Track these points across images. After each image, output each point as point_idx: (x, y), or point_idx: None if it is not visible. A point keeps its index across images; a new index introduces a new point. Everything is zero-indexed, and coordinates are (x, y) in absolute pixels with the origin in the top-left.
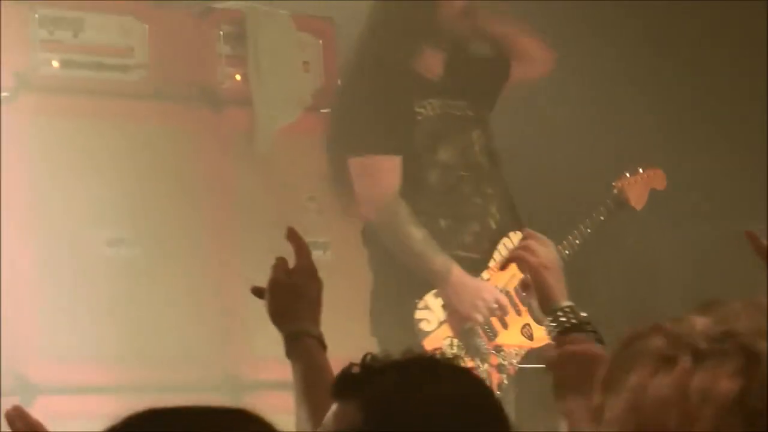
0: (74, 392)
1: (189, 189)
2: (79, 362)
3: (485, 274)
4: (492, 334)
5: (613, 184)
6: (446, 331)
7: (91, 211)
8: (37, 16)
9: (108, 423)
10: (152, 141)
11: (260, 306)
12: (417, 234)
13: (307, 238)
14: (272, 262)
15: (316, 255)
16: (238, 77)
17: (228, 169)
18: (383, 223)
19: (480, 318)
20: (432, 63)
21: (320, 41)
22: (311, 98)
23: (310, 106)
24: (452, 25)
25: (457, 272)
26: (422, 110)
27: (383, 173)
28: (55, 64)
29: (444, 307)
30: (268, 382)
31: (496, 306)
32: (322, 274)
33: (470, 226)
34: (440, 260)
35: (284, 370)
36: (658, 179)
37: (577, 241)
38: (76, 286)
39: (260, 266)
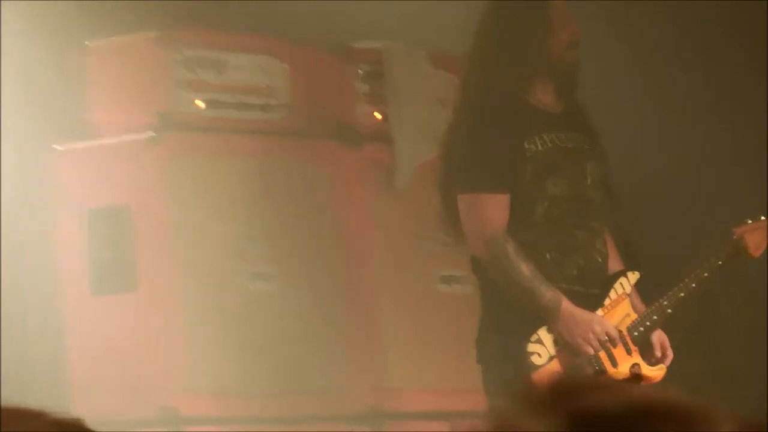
0: (220, 423)
1: (329, 224)
2: (224, 394)
3: (600, 312)
4: (601, 371)
5: (734, 229)
6: (556, 365)
7: (235, 247)
8: (181, 56)
9: None
10: (293, 177)
11: (396, 337)
12: (525, 269)
13: (444, 272)
14: (410, 293)
15: (453, 289)
16: (377, 115)
17: (366, 204)
18: (490, 259)
19: (591, 350)
20: (543, 95)
21: (456, 78)
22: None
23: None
24: (561, 56)
25: (567, 305)
26: (533, 145)
27: (490, 211)
28: (199, 103)
29: (555, 342)
30: (406, 412)
31: (606, 339)
32: (459, 307)
33: (575, 260)
34: (549, 294)
35: (421, 401)
36: None
37: (693, 285)
38: (222, 320)
39: (400, 299)
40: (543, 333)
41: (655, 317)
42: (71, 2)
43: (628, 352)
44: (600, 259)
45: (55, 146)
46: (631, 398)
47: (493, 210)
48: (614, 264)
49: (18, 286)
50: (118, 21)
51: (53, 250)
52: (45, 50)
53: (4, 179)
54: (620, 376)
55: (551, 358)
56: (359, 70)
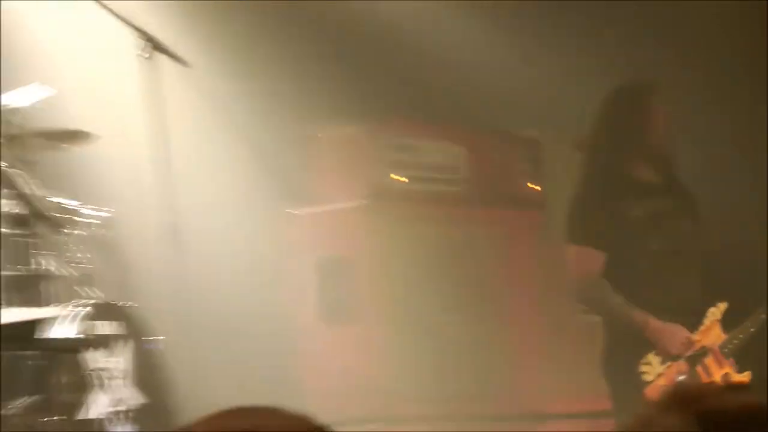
0: (420, 421)
1: (499, 268)
2: (424, 398)
3: (697, 335)
4: (695, 377)
5: None
6: (663, 381)
7: (430, 288)
8: (386, 143)
9: None
10: (471, 235)
11: (548, 354)
12: (616, 299)
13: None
14: (561, 320)
15: (590, 318)
16: (535, 187)
17: (527, 254)
18: (585, 298)
19: (675, 351)
20: (646, 171)
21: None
22: None
23: None
24: (658, 144)
25: (654, 322)
26: (638, 212)
27: (588, 262)
28: (400, 178)
29: (662, 362)
30: (557, 413)
31: (687, 341)
32: (594, 332)
33: (675, 296)
34: (638, 315)
35: (565, 404)
36: None
37: None
38: (420, 343)
39: (553, 325)
40: (651, 356)
41: (741, 336)
42: (302, 96)
43: (720, 365)
44: (695, 296)
45: (289, 210)
46: (744, 399)
47: (590, 262)
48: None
49: (265, 316)
50: (339, 114)
51: (289, 289)
52: (282, 137)
53: (251, 235)
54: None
55: (659, 375)
56: (521, 153)
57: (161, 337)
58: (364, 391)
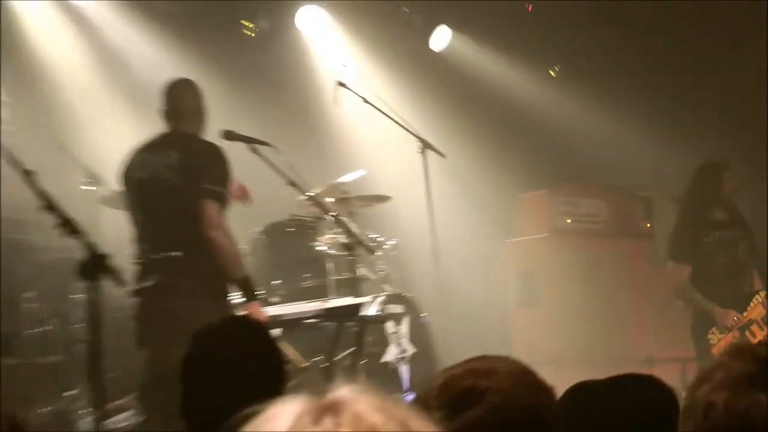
0: None
1: (624, 280)
2: (574, 364)
3: (745, 314)
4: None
5: None
6: (722, 344)
7: (586, 291)
8: (558, 200)
9: None
10: (611, 257)
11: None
12: (697, 295)
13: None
14: (665, 312)
15: (683, 305)
16: (648, 225)
17: (642, 273)
18: (678, 294)
19: (733, 326)
20: (719, 213)
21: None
22: None
23: None
24: (727, 196)
25: (717, 308)
26: (710, 239)
27: (679, 273)
28: (569, 221)
29: (721, 333)
30: (659, 358)
31: (736, 319)
32: (686, 315)
33: (736, 288)
34: (708, 304)
35: (669, 352)
36: None
37: None
38: (578, 320)
39: (659, 314)
40: (715, 329)
41: None
42: (509, 170)
43: (761, 328)
44: (748, 289)
45: (505, 240)
46: None
47: (680, 273)
48: (758, 285)
49: (486, 303)
50: (532, 182)
51: (501, 288)
52: (501, 195)
53: (480, 254)
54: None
55: (719, 340)
56: (639, 205)
57: (426, 314)
58: (541, 343)
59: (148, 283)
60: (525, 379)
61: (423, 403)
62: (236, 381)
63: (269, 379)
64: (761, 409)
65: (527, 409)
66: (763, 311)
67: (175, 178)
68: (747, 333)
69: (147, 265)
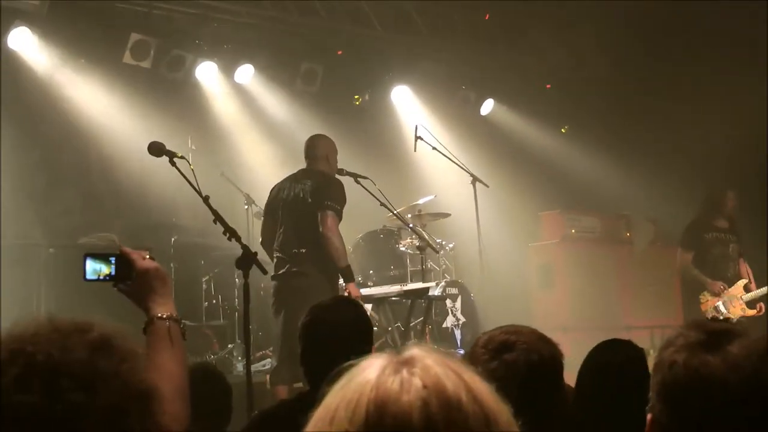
0: None
1: (623, 263)
2: (583, 329)
3: (729, 290)
4: (726, 311)
5: None
6: (709, 304)
7: (587, 278)
8: (567, 218)
9: None
10: (605, 257)
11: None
12: (695, 272)
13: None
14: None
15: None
16: (628, 234)
17: (629, 260)
18: (683, 272)
19: (719, 293)
20: (720, 222)
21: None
22: None
23: None
24: (729, 208)
25: (710, 281)
26: (709, 236)
27: (684, 257)
28: (573, 231)
29: (711, 295)
30: (641, 326)
31: (722, 287)
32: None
33: (724, 272)
34: (703, 278)
35: (653, 321)
36: None
37: None
38: (582, 300)
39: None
40: (706, 293)
41: (753, 295)
42: (528, 198)
43: (738, 306)
44: (731, 274)
45: (529, 244)
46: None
47: (685, 256)
48: (744, 275)
49: (515, 287)
50: (545, 206)
51: (526, 277)
52: (521, 216)
53: (512, 255)
54: (736, 313)
55: (707, 301)
56: (621, 221)
57: (473, 295)
58: (555, 315)
59: (282, 271)
60: (541, 337)
61: (473, 353)
62: (338, 340)
63: (362, 339)
64: (709, 366)
65: (545, 355)
66: (743, 292)
67: (308, 198)
68: (729, 303)
69: (282, 259)
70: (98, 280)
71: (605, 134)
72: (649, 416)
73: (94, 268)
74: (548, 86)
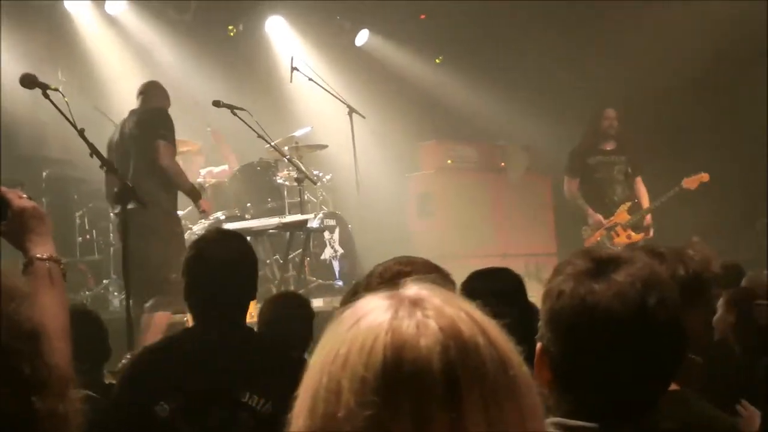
0: None
1: (500, 192)
2: (454, 250)
3: (612, 219)
4: (610, 238)
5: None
6: (591, 239)
7: (466, 206)
8: (445, 147)
9: None
10: (480, 184)
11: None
12: (580, 201)
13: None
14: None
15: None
16: (503, 165)
17: (505, 187)
18: (570, 199)
19: (599, 227)
20: (608, 143)
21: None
22: None
23: None
24: (606, 128)
25: (591, 212)
26: (592, 160)
27: (570, 184)
28: (450, 161)
29: (590, 228)
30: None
31: (604, 221)
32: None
33: (611, 198)
34: (586, 207)
35: (533, 248)
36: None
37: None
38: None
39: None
40: (587, 226)
41: (637, 216)
42: (412, 124)
43: (624, 232)
44: (618, 198)
45: (407, 175)
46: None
47: (570, 184)
48: (642, 195)
49: (395, 215)
50: (429, 136)
51: (406, 207)
52: (406, 146)
53: (391, 186)
54: (621, 241)
55: (590, 236)
56: (498, 151)
57: (351, 226)
58: (434, 244)
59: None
60: (435, 267)
61: (368, 284)
62: (226, 275)
63: (249, 273)
64: (595, 294)
65: (438, 285)
66: (627, 217)
67: (135, 132)
68: (612, 233)
69: None
70: None
71: (480, 64)
72: (538, 345)
73: None
74: (422, 16)
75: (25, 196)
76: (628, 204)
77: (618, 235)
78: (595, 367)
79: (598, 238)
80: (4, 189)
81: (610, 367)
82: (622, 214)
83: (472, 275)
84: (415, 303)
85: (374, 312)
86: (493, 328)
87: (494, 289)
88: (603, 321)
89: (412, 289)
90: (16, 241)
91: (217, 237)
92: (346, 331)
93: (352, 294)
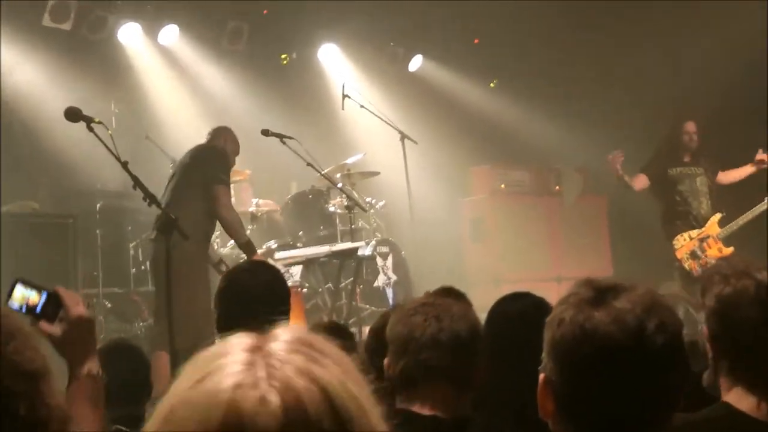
0: None
1: (545, 216)
2: (499, 273)
3: (702, 231)
4: (702, 254)
5: None
6: (686, 249)
7: (516, 229)
8: (498, 171)
9: None
10: (534, 208)
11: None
12: (627, 177)
13: None
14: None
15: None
16: (558, 188)
17: (558, 211)
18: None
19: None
20: (686, 156)
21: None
22: None
23: None
24: (686, 142)
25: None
26: (674, 171)
27: (638, 179)
28: (502, 186)
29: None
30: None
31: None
32: None
33: (698, 210)
34: (629, 178)
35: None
36: None
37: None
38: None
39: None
40: (680, 236)
41: (729, 230)
42: (463, 149)
43: (715, 244)
44: (703, 212)
45: (460, 199)
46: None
47: (638, 179)
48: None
49: (448, 240)
50: (478, 161)
51: (458, 229)
52: (457, 170)
53: (441, 211)
54: (713, 254)
55: (681, 246)
56: (553, 174)
57: (404, 252)
58: (486, 267)
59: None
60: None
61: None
62: (256, 304)
63: (279, 302)
64: (594, 320)
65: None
66: (718, 229)
67: (189, 165)
68: (704, 245)
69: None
70: (20, 310)
71: (534, 87)
72: (541, 376)
73: (23, 294)
74: (476, 41)
75: (82, 302)
76: (719, 216)
77: (710, 247)
78: (596, 395)
79: (690, 249)
80: (64, 291)
81: (611, 394)
82: (712, 226)
83: (498, 300)
84: (270, 365)
85: (223, 370)
86: (351, 401)
87: (513, 309)
88: (601, 347)
89: (279, 343)
90: (62, 348)
91: (247, 267)
92: (189, 389)
93: (382, 321)
